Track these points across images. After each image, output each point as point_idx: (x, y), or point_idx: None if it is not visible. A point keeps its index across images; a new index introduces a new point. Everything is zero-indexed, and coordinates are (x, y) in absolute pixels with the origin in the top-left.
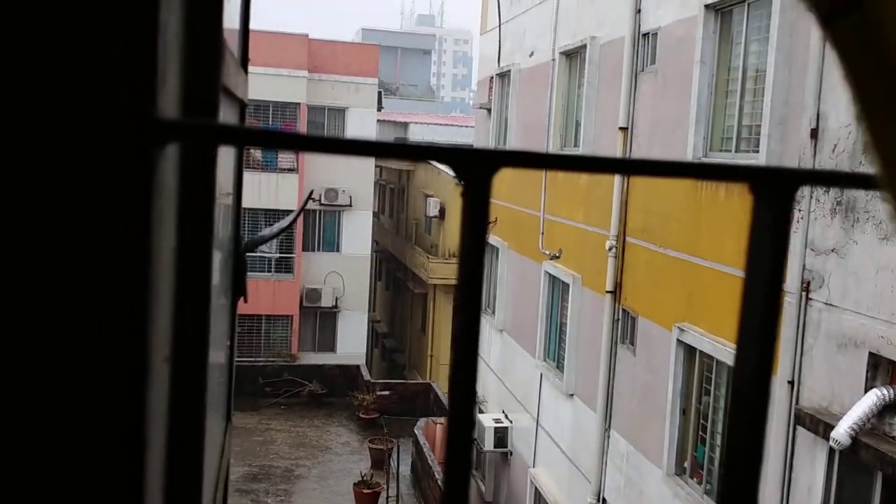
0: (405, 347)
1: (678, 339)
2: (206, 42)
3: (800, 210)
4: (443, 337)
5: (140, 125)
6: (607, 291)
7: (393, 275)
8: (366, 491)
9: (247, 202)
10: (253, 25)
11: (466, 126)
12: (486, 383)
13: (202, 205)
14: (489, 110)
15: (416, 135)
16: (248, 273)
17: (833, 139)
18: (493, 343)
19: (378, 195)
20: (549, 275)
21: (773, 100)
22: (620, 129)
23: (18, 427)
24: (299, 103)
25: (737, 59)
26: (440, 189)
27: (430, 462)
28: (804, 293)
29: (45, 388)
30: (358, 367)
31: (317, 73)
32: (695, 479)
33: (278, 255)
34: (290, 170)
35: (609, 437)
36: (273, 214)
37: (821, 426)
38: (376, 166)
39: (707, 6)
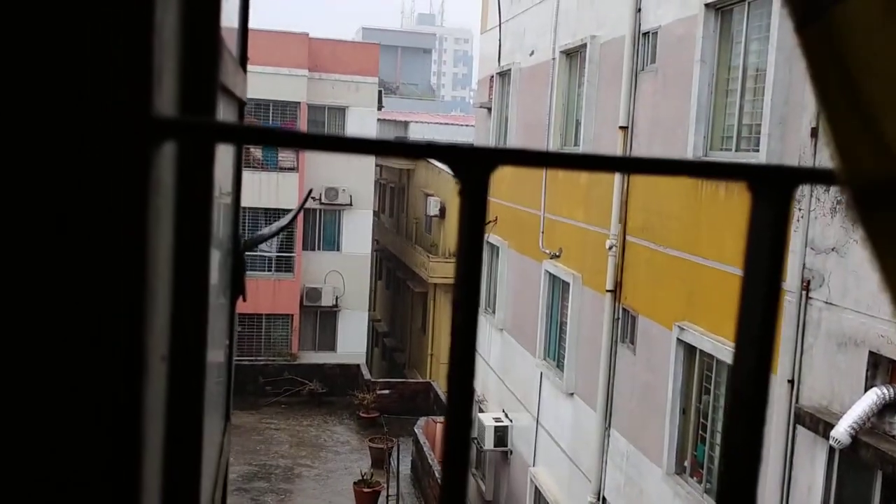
0: (405, 346)
1: (678, 339)
2: (204, 40)
3: (800, 209)
4: (443, 336)
5: (136, 123)
6: (607, 290)
7: (393, 274)
8: (366, 490)
9: (247, 201)
10: (253, 24)
11: (467, 125)
12: (487, 382)
13: (200, 203)
14: (489, 109)
15: (417, 134)
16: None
17: None
18: (493, 342)
19: (378, 194)
20: (550, 274)
21: (773, 99)
22: (620, 128)
23: (13, 426)
24: (299, 102)
25: (737, 58)
26: (440, 188)
27: (430, 461)
28: (804, 292)
29: (40, 387)
30: (358, 366)
31: (317, 72)
32: (695, 478)
33: (278, 254)
34: (291, 169)
35: (609, 436)
36: (273, 213)
37: (821, 425)
38: (377, 165)
39: (707, 5)
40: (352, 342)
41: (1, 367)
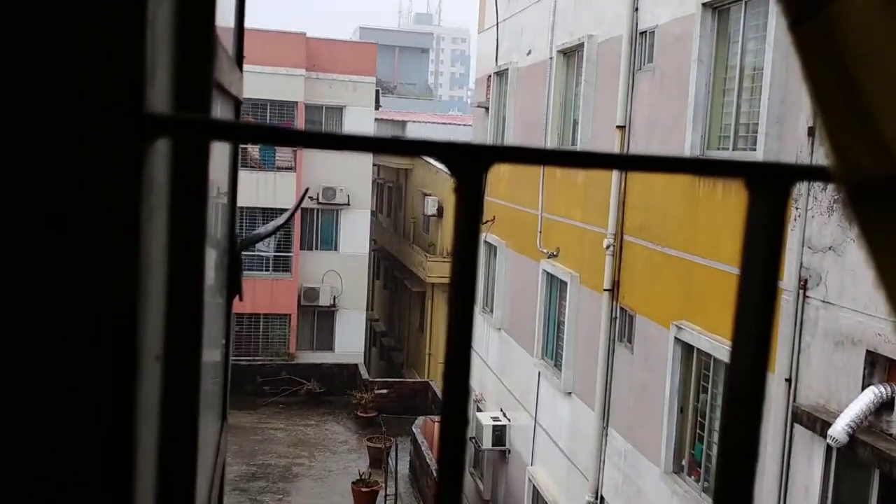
0: (403, 346)
1: (676, 338)
2: (199, 37)
3: (797, 208)
4: (441, 335)
5: (128, 119)
6: (605, 290)
7: (391, 273)
8: (364, 489)
9: (244, 201)
10: (250, 24)
11: (464, 125)
12: (485, 382)
13: (195, 201)
14: (487, 109)
15: (414, 134)
16: (246, 272)
17: None
18: (491, 342)
19: (376, 194)
20: (547, 273)
21: (770, 98)
22: (618, 127)
23: (2, 428)
24: (297, 102)
25: (734, 57)
26: (438, 188)
27: (428, 461)
28: (801, 291)
29: (30, 386)
30: (356, 365)
31: (314, 71)
32: (693, 476)
33: (276, 253)
34: (288, 168)
35: (607, 435)
36: (271, 213)
37: (818, 424)
38: (374, 165)
39: (704, 4)
40: (350, 342)
41: None
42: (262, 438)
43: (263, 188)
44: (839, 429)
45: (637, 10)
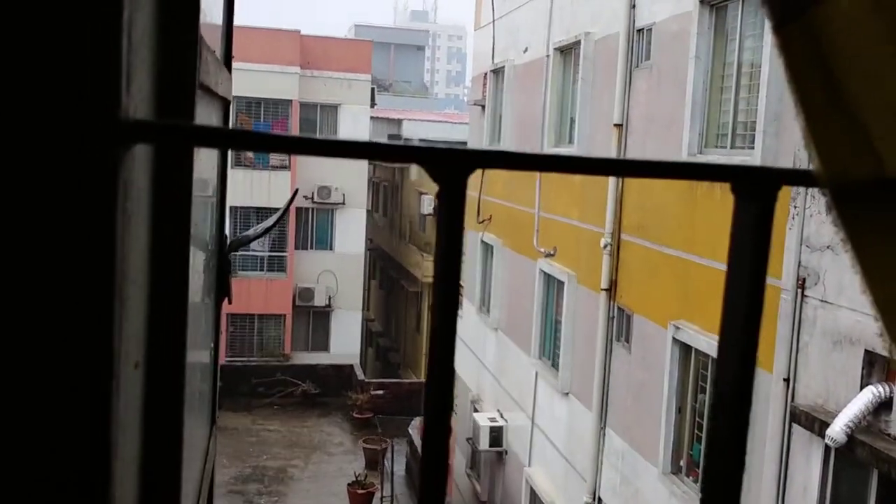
0: (399, 346)
1: (673, 337)
2: (182, 39)
3: (795, 206)
4: None
5: (100, 125)
6: (602, 289)
7: (387, 273)
8: (360, 491)
9: (238, 200)
10: (244, 22)
11: (460, 123)
12: (482, 382)
13: (177, 206)
14: (483, 107)
15: (410, 132)
16: (241, 272)
17: None
18: (487, 342)
19: (372, 193)
20: (544, 273)
21: (768, 96)
22: (615, 125)
23: None
24: (291, 100)
25: (732, 54)
26: (434, 187)
27: None
28: (800, 290)
29: (1, 397)
30: (352, 366)
31: (309, 69)
32: (691, 477)
33: (270, 253)
34: (283, 167)
35: (604, 435)
36: (265, 212)
37: (816, 424)
38: (370, 164)
39: (702, 1)
40: (345, 342)
41: None
42: (257, 440)
43: (258, 187)
44: (837, 429)
45: (634, 7)
